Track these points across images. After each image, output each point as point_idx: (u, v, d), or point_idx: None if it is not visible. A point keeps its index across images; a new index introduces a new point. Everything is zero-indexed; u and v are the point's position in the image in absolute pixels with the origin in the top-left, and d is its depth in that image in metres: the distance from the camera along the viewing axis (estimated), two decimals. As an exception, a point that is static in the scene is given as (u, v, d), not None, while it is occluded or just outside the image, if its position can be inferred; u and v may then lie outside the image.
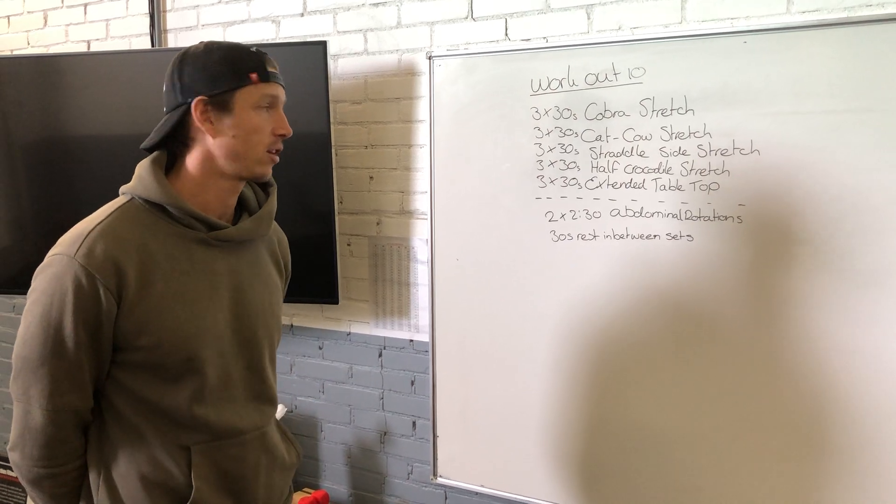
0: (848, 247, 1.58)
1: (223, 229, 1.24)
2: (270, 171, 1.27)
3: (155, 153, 1.24)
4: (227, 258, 1.26)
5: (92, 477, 1.23)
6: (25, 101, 2.37)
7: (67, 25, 2.74)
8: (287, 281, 1.52)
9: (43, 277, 1.14)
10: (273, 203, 1.35)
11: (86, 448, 1.23)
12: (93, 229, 1.14)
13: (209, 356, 1.22)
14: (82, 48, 2.71)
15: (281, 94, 1.25)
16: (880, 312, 1.56)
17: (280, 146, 1.25)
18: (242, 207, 1.33)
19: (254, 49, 1.23)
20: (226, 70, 1.18)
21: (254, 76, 1.20)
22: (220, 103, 1.18)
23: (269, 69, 1.22)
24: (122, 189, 1.23)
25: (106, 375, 1.19)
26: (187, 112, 1.19)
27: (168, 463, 1.22)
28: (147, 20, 2.54)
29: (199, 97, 1.18)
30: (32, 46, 2.82)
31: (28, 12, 2.82)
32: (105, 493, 1.21)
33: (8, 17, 2.87)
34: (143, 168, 1.22)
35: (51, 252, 1.16)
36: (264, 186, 1.37)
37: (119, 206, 1.20)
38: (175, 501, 1.23)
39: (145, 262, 1.16)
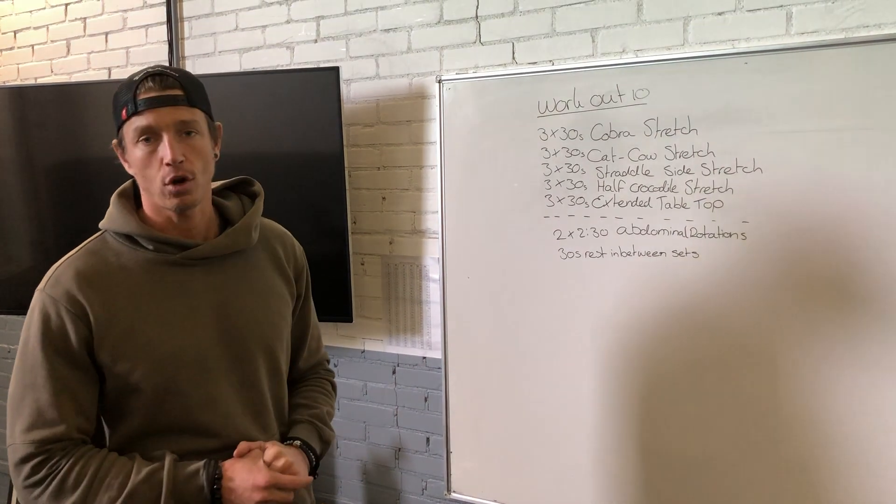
0: (850, 261, 1.60)
1: (194, 248, 1.22)
2: (180, 201, 1.16)
3: (124, 185, 1.26)
4: (207, 276, 1.24)
5: None
6: (49, 126, 2.44)
7: (89, 54, 2.82)
8: (305, 285, 1.44)
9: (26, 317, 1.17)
10: (255, 214, 1.30)
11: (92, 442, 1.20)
12: (60, 264, 1.18)
13: (189, 376, 1.20)
14: (103, 75, 2.79)
15: (161, 118, 1.12)
16: (886, 326, 1.58)
17: (174, 174, 1.14)
18: (228, 222, 1.30)
19: (137, 76, 1.15)
20: (113, 109, 1.18)
21: (124, 113, 1.14)
22: (120, 142, 1.19)
23: (143, 96, 1.12)
24: (99, 225, 1.25)
25: (102, 404, 1.20)
26: None
27: None
28: (166, 48, 2.62)
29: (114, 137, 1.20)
30: (56, 74, 2.91)
31: (51, 41, 2.91)
32: None
33: (32, 46, 2.96)
34: (111, 201, 1.24)
35: None
36: (252, 196, 1.35)
37: (88, 242, 1.23)
38: None
39: (112, 290, 1.16)
